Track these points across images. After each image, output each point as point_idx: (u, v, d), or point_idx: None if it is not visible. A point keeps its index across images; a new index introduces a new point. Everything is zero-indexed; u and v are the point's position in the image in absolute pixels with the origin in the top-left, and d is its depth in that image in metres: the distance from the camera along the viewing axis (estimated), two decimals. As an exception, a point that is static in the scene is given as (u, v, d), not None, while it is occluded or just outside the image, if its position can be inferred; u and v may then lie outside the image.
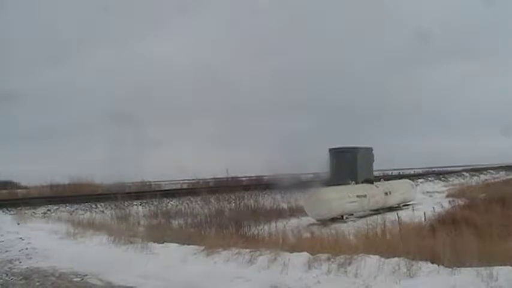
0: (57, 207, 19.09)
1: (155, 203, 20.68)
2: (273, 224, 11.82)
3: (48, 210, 18.61)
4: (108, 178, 28.19)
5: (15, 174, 33.93)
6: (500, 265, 6.00)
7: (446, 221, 12.91)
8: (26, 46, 60.62)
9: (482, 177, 48.04)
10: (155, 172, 32.24)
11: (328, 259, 7.29)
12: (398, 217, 11.95)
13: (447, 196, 26.79)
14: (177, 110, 70.17)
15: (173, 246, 9.61)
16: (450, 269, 6.25)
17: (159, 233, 11.31)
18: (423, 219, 13.08)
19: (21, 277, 8.22)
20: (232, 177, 28.79)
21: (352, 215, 19.85)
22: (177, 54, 70.30)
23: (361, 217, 19.25)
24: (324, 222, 17.74)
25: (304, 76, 77.92)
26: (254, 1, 78.54)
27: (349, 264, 7.00)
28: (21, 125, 50.63)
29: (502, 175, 49.41)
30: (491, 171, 54.82)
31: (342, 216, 19.14)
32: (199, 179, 31.01)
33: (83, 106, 60.24)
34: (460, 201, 20.48)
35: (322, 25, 75.59)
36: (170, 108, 69.71)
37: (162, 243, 9.93)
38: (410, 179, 30.24)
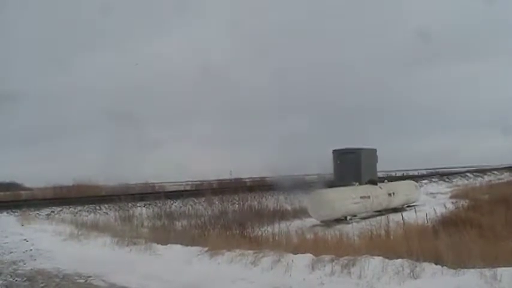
0: (60, 208, 19.14)
1: (159, 205, 20.69)
2: (277, 225, 11.79)
3: (52, 211, 18.67)
4: (112, 179, 28.33)
5: (18, 175, 34.14)
6: (505, 266, 5.98)
7: (450, 222, 12.87)
8: (27, 47, 61.01)
9: (486, 178, 47.84)
10: (158, 173, 32.33)
11: (332, 260, 7.28)
12: (402, 218, 11.91)
13: (451, 197, 26.67)
14: (179, 111, 70.42)
15: (177, 247, 9.62)
16: (454, 270, 6.23)
17: (163, 235, 11.33)
18: (427, 220, 13.02)
19: (25, 278, 8.25)
20: (235, 179, 28.83)
21: (356, 216, 19.79)
22: (177, 54, 70.39)
23: (364, 218, 19.20)
24: (328, 223, 17.70)
25: (306, 77, 77.87)
26: (254, 1, 78.60)
27: (353, 265, 6.98)
28: (23, 126, 50.92)
29: (506, 176, 49.18)
30: (495, 172, 54.63)
31: (346, 218, 19.09)
32: (203, 181, 31.10)
33: (85, 107, 60.51)
34: (464, 202, 20.40)
35: (323, 25, 75.53)
36: (172, 109, 69.91)
37: (166, 244, 9.94)
38: (414, 180, 30.18)
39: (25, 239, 12.18)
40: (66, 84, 62.19)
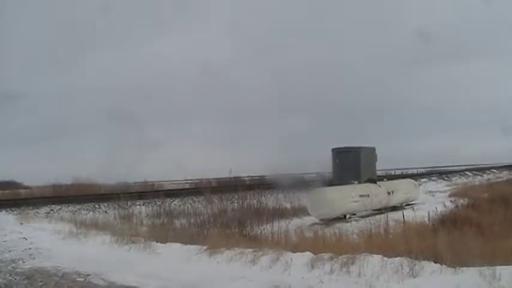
0: (60, 207, 19.11)
1: (158, 203, 20.70)
2: (276, 224, 11.80)
3: (51, 210, 18.64)
4: (111, 178, 28.29)
5: (17, 174, 34.08)
6: (503, 265, 5.99)
7: (449, 221, 12.90)
8: (27, 46, 60.93)
9: (485, 176, 47.93)
10: (158, 172, 32.31)
11: (331, 259, 7.28)
12: (403, 216, 11.93)
13: (450, 196, 26.72)
14: (179, 110, 70.28)
15: (176, 246, 9.62)
16: (453, 269, 6.23)
17: (162, 233, 11.32)
18: (426, 218, 13.04)
19: (24, 277, 8.25)
20: (235, 177, 28.79)
21: (355, 214, 19.78)
22: (177, 54, 70.37)
23: (364, 217, 19.19)
24: (327, 221, 17.72)
25: (306, 77, 77.86)
26: (254, 1, 78.56)
27: (352, 263, 6.99)
28: (23, 125, 50.82)
29: (505, 175, 49.28)
30: (494, 170, 54.73)
31: (345, 216, 19.09)
32: (202, 179, 31.05)
33: (85, 107, 60.45)
34: (463, 201, 20.44)
35: (323, 25, 75.51)
36: (172, 109, 69.87)
37: (165, 243, 9.94)
38: (413, 179, 30.19)
39: (24, 238, 12.16)
40: (66, 84, 62.07)
